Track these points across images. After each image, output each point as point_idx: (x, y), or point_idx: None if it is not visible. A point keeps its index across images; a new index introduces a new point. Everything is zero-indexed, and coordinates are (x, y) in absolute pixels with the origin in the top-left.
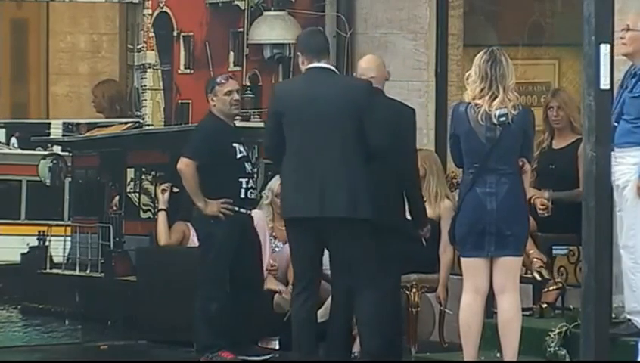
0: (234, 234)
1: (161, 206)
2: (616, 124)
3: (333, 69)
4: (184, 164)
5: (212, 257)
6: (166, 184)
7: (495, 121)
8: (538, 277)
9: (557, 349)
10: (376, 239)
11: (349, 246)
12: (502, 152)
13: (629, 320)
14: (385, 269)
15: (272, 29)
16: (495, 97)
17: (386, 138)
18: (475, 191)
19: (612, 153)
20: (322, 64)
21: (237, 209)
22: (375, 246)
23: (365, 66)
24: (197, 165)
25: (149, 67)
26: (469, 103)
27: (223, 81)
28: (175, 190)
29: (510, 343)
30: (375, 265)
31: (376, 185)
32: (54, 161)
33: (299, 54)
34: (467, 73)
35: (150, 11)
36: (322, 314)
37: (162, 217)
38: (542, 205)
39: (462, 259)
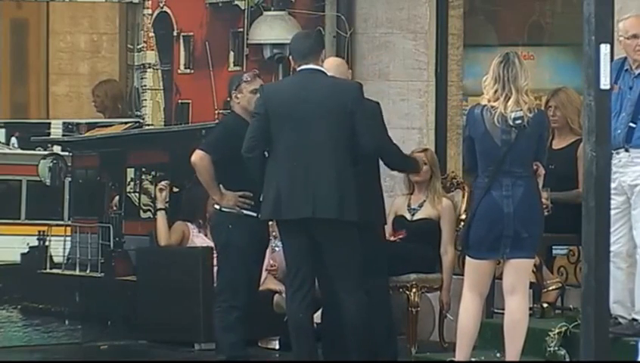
0: (253, 242)
1: (159, 205)
2: (633, 125)
3: (323, 70)
4: (197, 157)
5: (232, 265)
6: (163, 183)
7: (510, 123)
8: None
9: (556, 348)
10: (362, 240)
11: (337, 247)
12: (517, 155)
13: (635, 320)
14: (370, 271)
15: (272, 29)
16: (509, 98)
17: (376, 139)
18: (491, 195)
19: (627, 153)
20: (311, 66)
21: (255, 214)
22: (361, 247)
23: (326, 66)
24: (212, 159)
25: (149, 67)
26: (484, 105)
27: (249, 78)
28: (175, 190)
29: (514, 344)
30: (360, 268)
31: (362, 186)
32: (54, 161)
33: (290, 57)
34: (484, 78)
35: (150, 11)
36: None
37: (161, 217)
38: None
39: (469, 260)
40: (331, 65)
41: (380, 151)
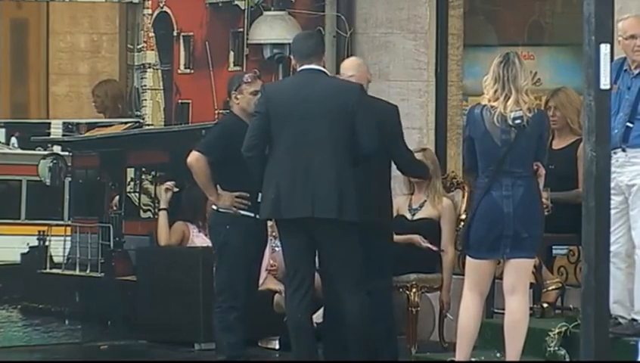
0: (251, 242)
1: (162, 205)
2: (630, 124)
3: (325, 70)
4: (194, 158)
5: (230, 266)
6: (169, 183)
7: (510, 123)
8: None
9: (556, 348)
10: (363, 241)
11: (337, 247)
12: (517, 154)
13: (634, 320)
14: (374, 271)
15: (272, 29)
16: (509, 98)
17: (377, 140)
18: (491, 195)
19: (624, 153)
20: (312, 66)
21: (253, 215)
22: (363, 248)
23: (346, 65)
24: (208, 159)
25: (149, 67)
26: (484, 105)
27: (250, 80)
28: (175, 190)
29: (515, 344)
30: (361, 268)
31: (363, 186)
32: (54, 161)
33: (292, 56)
34: (484, 78)
35: (150, 11)
36: (320, 314)
37: (163, 217)
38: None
39: (469, 260)
40: (352, 64)
41: (395, 156)
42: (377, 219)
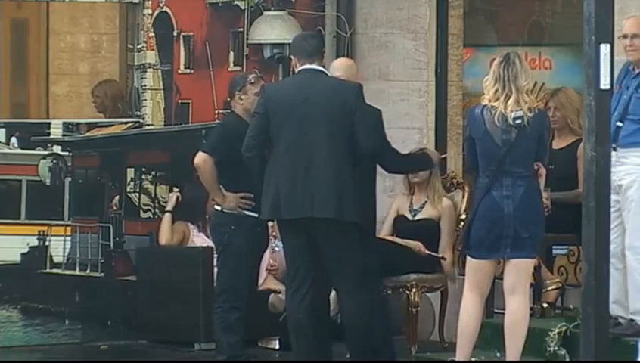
0: (254, 242)
1: (169, 208)
2: (620, 124)
3: (324, 70)
4: (201, 159)
5: (232, 266)
6: (178, 193)
7: (510, 123)
8: None
9: (556, 348)
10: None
11: (336, 247)
12: (518, 155)
13: (632, 320)
14: (367, 272)
15: (272, 29)
16: (509, 98)
17: (376, 140)
18: (491, 195)
19: (615, 152)
20: (313, 66)
21: (257, 215)
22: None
23: (335, 65)
24: (214, 161)
25: (149, 67)
26: (485, 105)
27: (254, 80)
28: (176, 189)
29: (515, 344)
30: (361, 267)
31: (360, 187)
32: (54, 161)
33: (292, 56)
34: (484, 78)
35: (150, 11)
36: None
37: (167, 218)
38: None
39: (470, 260)
40: (342, 65)
41: (379, 157)
42: (371, 219)
